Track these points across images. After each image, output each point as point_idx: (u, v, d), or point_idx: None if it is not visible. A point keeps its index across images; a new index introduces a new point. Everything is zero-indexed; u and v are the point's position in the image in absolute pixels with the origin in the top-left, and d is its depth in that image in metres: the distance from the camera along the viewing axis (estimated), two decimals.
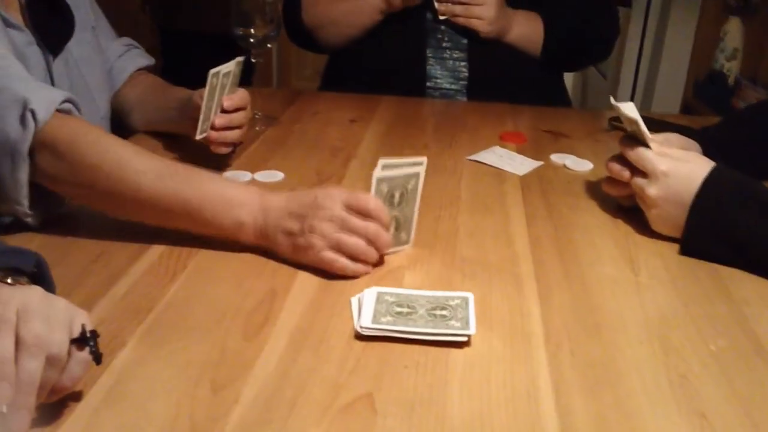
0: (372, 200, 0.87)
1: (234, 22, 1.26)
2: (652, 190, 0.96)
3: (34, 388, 0.57)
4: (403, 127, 1.42)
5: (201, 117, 1.11)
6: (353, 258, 0.86)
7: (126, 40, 1.37)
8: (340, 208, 0.86)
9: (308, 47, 1.73)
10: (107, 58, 1.29)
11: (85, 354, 0.62)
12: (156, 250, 0.90)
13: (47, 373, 0.58)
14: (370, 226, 0.86)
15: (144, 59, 1.36)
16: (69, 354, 0.60)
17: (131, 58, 1.34)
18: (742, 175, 0.94)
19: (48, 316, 0.59)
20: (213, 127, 1.13)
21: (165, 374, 0.68)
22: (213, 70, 1.09)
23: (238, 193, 0.89)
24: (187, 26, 2.86)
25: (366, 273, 0.87)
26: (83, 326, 0.62)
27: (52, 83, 1.10)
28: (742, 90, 2.62)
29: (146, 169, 0.88)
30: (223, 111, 1.14)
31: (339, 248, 0.85)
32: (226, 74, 1.12)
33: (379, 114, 1.48)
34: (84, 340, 0.62)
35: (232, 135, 1.16)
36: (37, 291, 0.62)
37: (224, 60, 1.12)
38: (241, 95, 1.17)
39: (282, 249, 0.88)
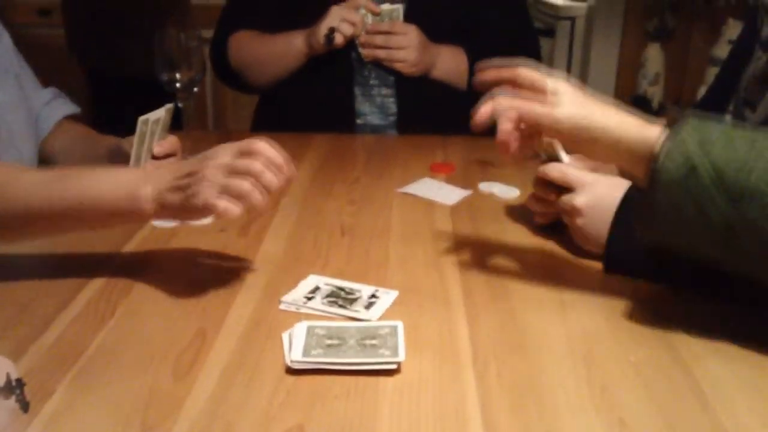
0: (257, 141, 0.88)
1: (158, 66, 1.27)
2: (578, 199, 0.99)
3: None
4: (334, 163, 1.44)
5: (131, 164, 1.11)
6: (239, 199, 0.85)
7: (52, 89, 1.37)
8: (229, 156, 0.87)
9: (237, 87, 1.75)
10: (32, 106, 1.29)
11: (11, 402, 0.61)
12: (84, 295, 0.90)
13: None
14: (255, 164, 0.86)
15: (70, 107, 1.36)
16: None
17: (57, 107, 1.34)
18: None
19: None
20: None
21: (94, 419, 0.68)
22: (142, 118, 1.09)
23: (127, 170, 0.97)
24: (115, 71, 2.85)
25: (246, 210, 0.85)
26: (8, 375, 0.62)
27: None
28: (666, 113, 2.72)
29: (34, 181, 0.89)
30: (154, 158, 1.14)
31: (226, 192, 0.84)
32: (156, 121, 1.13)
33: (311, 152, 1.50)
34: (9, 389, 0.61)
35: None
36: None
37: (155, 104, 1.13)
38: (171, 141, 1.18)
39: (175, 208, 0.87)
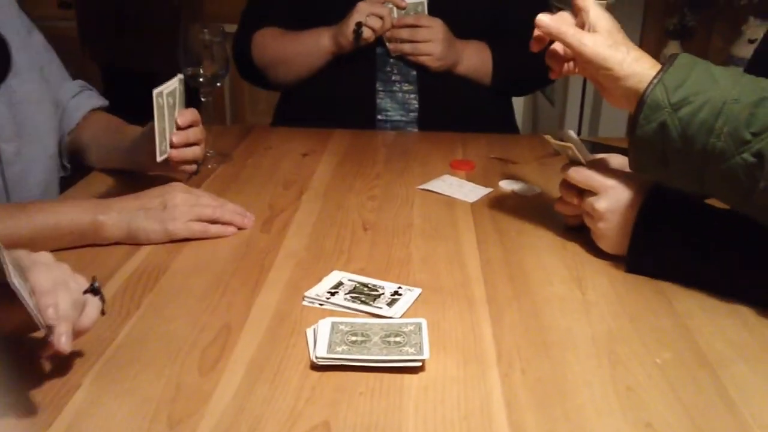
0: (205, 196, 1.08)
1: (182, 61, 1.28)
2: (600, 203, 0.99)
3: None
4: (355, 158, 1.44)
5: (156, 139, 1.09)
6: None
7: (80, 82, 1.38)
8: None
9: (259, 85, 1.75)
10: (60, 98, 1.30)
11: (96, 300, 0.74)
12: (109, 290, 0.90)
13: (72, 313, 0.69)
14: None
15: (98, 100, 1.38)
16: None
17: (85, 99, 1.35)
18: (682, 192, 0.98)
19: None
20: (172, 146, 1.13)
21: (120, 412, 0.68)
22: (156, 90, 1.08)
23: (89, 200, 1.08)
24: (130, 65, 2.85)
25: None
26: (93, 278, 0.75)
27: None
28: None
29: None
30: (178, 128, 1.14)
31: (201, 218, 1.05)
32: (170, 93, 1.12)
33: (331, 147, 1.50)
34: (94, 289, 0.74)
35: (193, 151, 1.16)
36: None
37: None
38: (191, 111, 1.17)
39: (150, 226, 1.01)
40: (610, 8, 2.79)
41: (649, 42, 2.89)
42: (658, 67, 0.90)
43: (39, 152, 1.21)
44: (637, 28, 2.89)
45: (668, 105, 0.86)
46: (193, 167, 1.18)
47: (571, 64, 1.04)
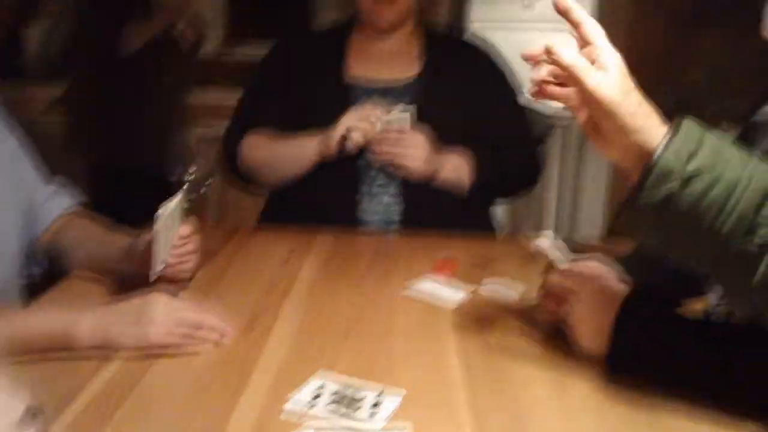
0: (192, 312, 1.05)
1: (171, 164, 1.30)
2: (580, 307, 1.00)
3: None
4: (338, 260, 1.45)
5: (153, 257, 1.12)
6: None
7: (56, 183, 1.38)
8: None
9: (244, 187, 1.78)
10: (32, 202, 1.30)
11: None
12: (76, 407, 0.88)
13: None
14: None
15: (72, 199, 1.38)
16: None
17: (58, 200, 1.35)
18: (658, 300, 1.00)
19: None
20: (167, 263, 1.15)
21: None
22: (161, 209, 1.10)
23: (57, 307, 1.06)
24: (117, 163, 2.88)
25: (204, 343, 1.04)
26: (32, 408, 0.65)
27: None
28: None
29: None
30: (173, 246, 1.16)
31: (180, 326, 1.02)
32: (174, 210, 1.14)
33: (315, 249, 1.51)
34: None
35: (186, 267, 1.19)
36: None
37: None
38: (188, 226, 1.20)
39: (126, 332, 0.99)
40: None
41: None
42: (665, 126, 0.82)
43: None
44: None
45: (680, 175, 0.79)
46: (187, 277, 1.19)
47: (562, 90, 0.90)
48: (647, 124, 0.82)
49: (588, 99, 0.83)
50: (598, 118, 0.84)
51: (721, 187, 0.78)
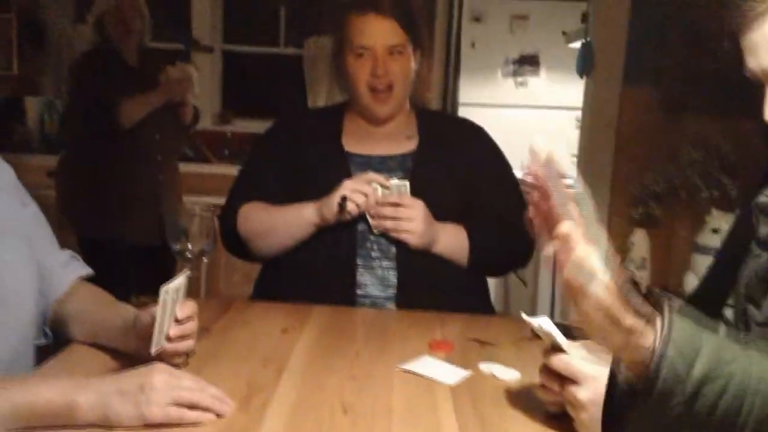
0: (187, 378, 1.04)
1: (170, 236, 1.30)
2: (582, 393, 0.99)
3: None
4: (334, 336, 1.44)
5: (155, 332, 1.11)
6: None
7: (68, 252, 1.40)
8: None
9: (242, 256, 1.78)
10: (47, 266, 1.31)
11: None
12: None
13: None
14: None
15: (83, 270, 1.39)
16: None
17: (72, 269, 1.37)
18: None
19: None
20: (168, 339, 1.15)
21: None
22: (164, 287, 1.11)
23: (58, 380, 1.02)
24: (108, 236, 2.87)
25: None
26: None
27: None
28: (653, 299, 2.75)
29: None
30: (176, 322, 1.16)
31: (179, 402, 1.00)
32: (176, 289, 1.15)
33: (311, 323, 1.50)
34: None
35: (186, 345, 1.19)
36: None
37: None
38: (191, 305, 1.20)
39: (125, 410, 0.97)
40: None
41: (615, 230, 3.00)
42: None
43: (13, 319, 1.21)
44: (603, 216, 3.01)
45: (689, 382, 0.75)
46: (182, 358, 1.20)
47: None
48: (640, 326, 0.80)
49: (575, 296, 0.85)
50: (588, 309, 0.84)
51: (733, 389, 0.75)
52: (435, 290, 1.66)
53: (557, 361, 1.03)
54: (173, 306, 1.15)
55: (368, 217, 1.64)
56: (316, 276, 1.66)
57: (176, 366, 1.17)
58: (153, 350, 1.12)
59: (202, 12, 4.49)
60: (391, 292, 1.67)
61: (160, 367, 1.04)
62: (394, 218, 1.63)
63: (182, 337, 1.17)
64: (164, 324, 1.14)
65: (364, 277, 1.66)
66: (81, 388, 0.99)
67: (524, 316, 1.10)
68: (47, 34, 4.40)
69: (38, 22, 4.36)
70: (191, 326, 1.18)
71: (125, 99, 2.76)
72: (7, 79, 4.33)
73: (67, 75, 3.28)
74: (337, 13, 1.75)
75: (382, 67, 1.67)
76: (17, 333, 1.22)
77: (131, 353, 1.20)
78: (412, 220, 1.63)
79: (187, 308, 1.18)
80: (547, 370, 1.05)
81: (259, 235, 1.70)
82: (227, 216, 1.72)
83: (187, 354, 1.21)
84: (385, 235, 1.65)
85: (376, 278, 1.67)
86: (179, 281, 1.15)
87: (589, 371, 1.00)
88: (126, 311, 1.24)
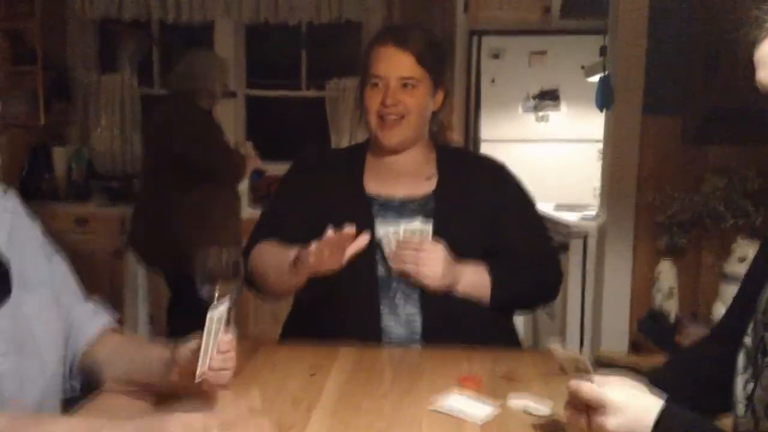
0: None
1: (199, 280, 1.32)
2: (611, 421, 0.99)
3: None
4: (362, 376, 1.44)
5: (201, 357, 1.12)
6: None
7: (92, 302, 1.41)
8: None
9: (258, 295, 1.79)
10: (72, 319, 1.33)
11: None
12: None
13: None
14: None
15: (110, 318, 1.40)
16: None
17: (99, 317, 1.38)
18: (692, 413, 0.99)
19: None
20: (210, 368, 1.15)
21: None
22: (210, 313, 1.12)
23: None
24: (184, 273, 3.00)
25: None
26: None
27: None
28: (683, 327, 2.73)
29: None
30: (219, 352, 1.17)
31: None
32: (221, 315, 1.15)
33: (338, 364, 1.50)
34: None
35: (226, 375, 1.19)
36: None
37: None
38: (231, 339, 1.20)
39: None
40: (602, 230, 2.91)
41: (641, 261, 2.98)
42: None
43: (36, 369, 1.22)
44: (628, 247, 3.00)
45: None
46: (221, 389, 1.20)
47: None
48: None
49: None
50: None
51: None
52: (461, 330, 1.65)
53: (585, 388, 1.02)
54: (217, 332, 1.15)
55: (388, 260, 1.65)
56: (342, 322, 1.65)
57: (203, 403, 1.18)
58: (198, 376, 1.12)
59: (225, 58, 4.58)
60: (417, 335, 1.66)
61: (179, 415, 1.01)
62: (413, 262, 1.63)
63: (223, 367, 1.17)
64: (208, 351, 1.14)
65: (389, 322, 1.66)
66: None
67: (550, 349, 1.10)
68: (73, 86, 4.51)
69: (64, 73, 4.48)
70: (231, 358, 1.19)
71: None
72: (34, 129, 4.43)
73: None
74: (365, 47, 1.78)
75: (392, 96, 1.67)
76: (42, 386, 1.24)
77: (166, 391, 1.21)
78: (433, 264, 1.62)
79: (229, 341, 1.18)
80: (574, 400, 1.05)
81: (261, 275, 1.70)
82: (243, 255, 1.74)
83: (226, 386, 1.20)
84: (406, 279, 1.65)
85: (401, 324, 1.66)
86: (223, 308, 1.15)
87: (617, 398, 1.00)
88: (160, 350, 1.25)
